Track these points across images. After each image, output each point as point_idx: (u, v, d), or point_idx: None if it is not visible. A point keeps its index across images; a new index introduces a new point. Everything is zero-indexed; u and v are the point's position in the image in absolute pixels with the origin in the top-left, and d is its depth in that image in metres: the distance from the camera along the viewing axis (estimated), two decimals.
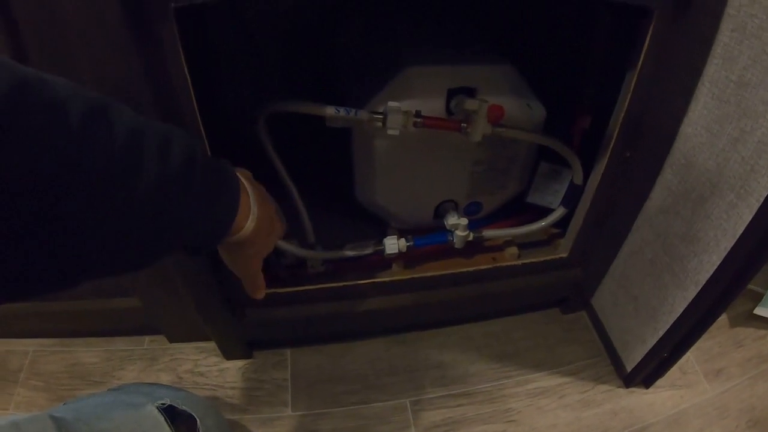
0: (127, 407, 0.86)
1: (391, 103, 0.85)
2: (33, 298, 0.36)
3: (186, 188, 0.42)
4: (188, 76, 0.68)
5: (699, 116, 0.82)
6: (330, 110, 0.86)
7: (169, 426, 0.84)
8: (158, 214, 0.40)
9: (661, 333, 1.00)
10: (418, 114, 0.87)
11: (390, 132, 0.87)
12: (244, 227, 0.51)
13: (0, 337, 1.22)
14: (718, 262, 0.84)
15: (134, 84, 0.65)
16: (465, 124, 0.88)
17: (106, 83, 0.65)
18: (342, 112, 0.86)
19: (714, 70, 0.77)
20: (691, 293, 0.91)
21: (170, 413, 0.87)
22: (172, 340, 1.23)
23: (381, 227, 1.17)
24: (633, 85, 0.79)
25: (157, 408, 0.86)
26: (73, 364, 1.19)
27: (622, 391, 1.15)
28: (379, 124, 0.87)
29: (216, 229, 0.48)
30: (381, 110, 0.87)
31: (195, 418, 0.88)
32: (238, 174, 0.52)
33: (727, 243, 0.81)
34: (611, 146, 0.88)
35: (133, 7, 0.59)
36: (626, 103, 0.82)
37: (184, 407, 0.88)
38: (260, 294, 0.65)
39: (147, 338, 1.24)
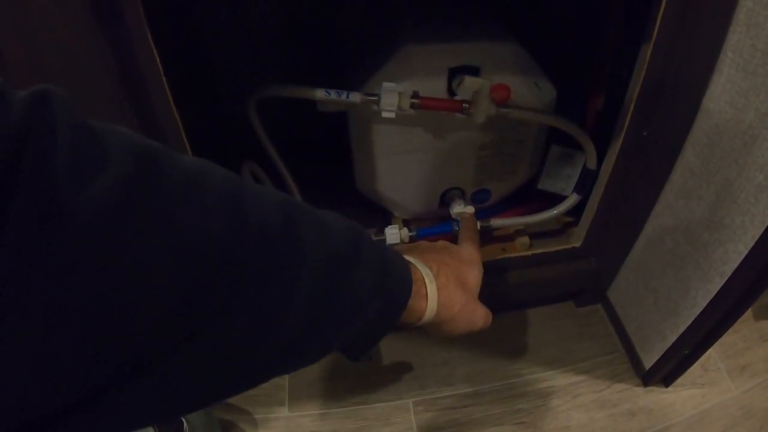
0: None
1: (386, 84, 0.81)
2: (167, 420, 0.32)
3: (351, 268, 0.38)
4: (158, 60, 0.64)
5: (722, 90, 0.76)
6: (320, 93, 0.83)
7: (153, 426, 0.81)
8: (323, 299, 0.35)
9: (682, 328, 0.95)
10: (415, 95, 0.82)
11: (385, 114, 0.82)
12: (425, 312, 0.47)
13: None
14: (746, 252, 0.78)
15: (99, 65, 0.61)
16: (467, 105, 0.83)
17: (73, 72, 0.61)
18: (333, 94, 0.83)
19: (737, 38, 0.71)
20: (716, 285, 0.85)
21: None
22: None
23: (384, 217, 1.12)
24: (648, 56, 0.73)
25: None
26: None
27: (640, 390, 1.09)
28: (374, 107, 0.83)
29: (387, 313, 0.43)
30: (375, 92, 0.82)
31: (181, 419, 0.84)
32: (418, 259, 0.49)
33: (755, 230, 0.76)
34: (626, 125, 0.83)
35: None
36: (641, 77, 0.76)
37: None
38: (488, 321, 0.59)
39: None
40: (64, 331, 0.23)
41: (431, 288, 0.47)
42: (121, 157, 0.25)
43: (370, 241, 0.41)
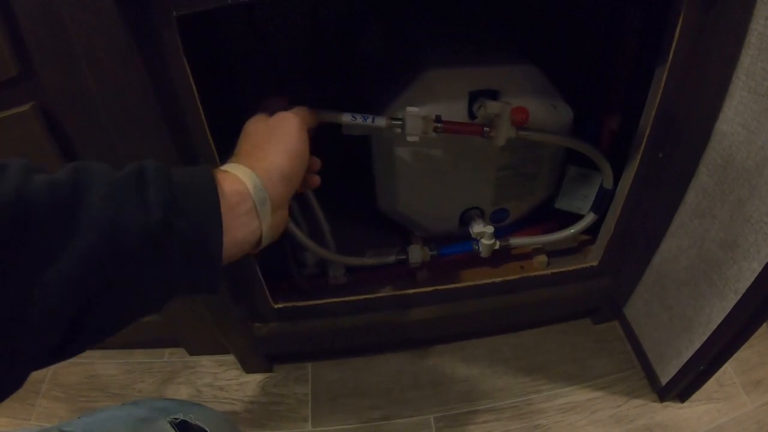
0: (139, 422, 0.84)
1: (410, 109, 0.83)
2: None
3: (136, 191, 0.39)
4: (194, 87, 0.67)
5: (735, 112, 0.77)
6: (346, 117, 0.83)
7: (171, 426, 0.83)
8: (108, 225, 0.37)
9: (697, 345, 0.96)
10: (438, 119, 0.84)
11: (409, 138, 0.84)
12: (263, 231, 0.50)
13: None
14: (759, 269, 0.79)
15: (139, 94, 0.65)
16: (488, 129, 0.85)
17: (111, 94, 0.64)
18: (359, 119, 0.84)
19: (749, 61, 0.73)
20: (730, 303, 0.86)
21: (183, 428, 0.85)
22: (191, 352, 1.21)
23: (405, 237, 1.14)
24: (664, 81, 0.76)
25: (170, 423, 0.85)
26: (93, 375, 1.19)
27: (657, 405, 1.10)
28: (398, 130, 0.84)
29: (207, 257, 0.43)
30: (400, 116, 0.84)
31: (205, 430, 0.86)
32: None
33: None
34: (642, 147, 0.85)
35: (134, 16, 0.58)
36: (657, 101, 0.78)
37: (197, 422, 0.87)
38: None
39: (167, 351, 1.23)
40: None
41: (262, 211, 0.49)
42: None
43: (155, 169, 0.41)
